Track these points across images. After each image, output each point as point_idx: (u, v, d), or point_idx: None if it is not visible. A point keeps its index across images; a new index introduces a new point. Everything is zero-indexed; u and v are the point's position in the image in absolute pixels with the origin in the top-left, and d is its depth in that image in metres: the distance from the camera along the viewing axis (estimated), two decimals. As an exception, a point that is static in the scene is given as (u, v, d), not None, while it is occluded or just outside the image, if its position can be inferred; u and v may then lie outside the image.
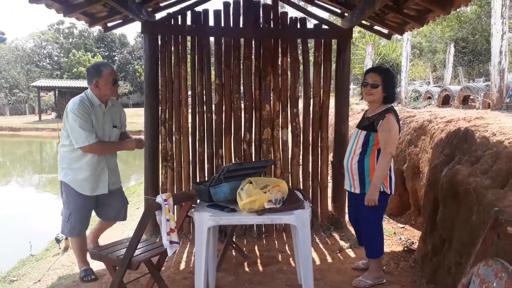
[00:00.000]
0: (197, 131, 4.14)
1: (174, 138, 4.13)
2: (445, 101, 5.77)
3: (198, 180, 4.17)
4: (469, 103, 5.35)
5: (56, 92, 29.86)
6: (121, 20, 4.13)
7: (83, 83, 29.32)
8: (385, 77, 2.76)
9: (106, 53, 45.10)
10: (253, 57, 4.11)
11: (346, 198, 3.39)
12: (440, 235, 2.98)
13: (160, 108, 4.12)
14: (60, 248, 4.16)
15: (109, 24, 4.10)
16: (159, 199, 2.32)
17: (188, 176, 4.17)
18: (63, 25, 44.59)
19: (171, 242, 2.34)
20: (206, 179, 4.16)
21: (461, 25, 17.02)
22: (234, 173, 2.56)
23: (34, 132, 23.47)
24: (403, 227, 4.23)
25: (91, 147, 2.87)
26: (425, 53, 20.51)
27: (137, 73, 43.23)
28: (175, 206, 2.98)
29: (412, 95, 6.81)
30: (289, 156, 4.18)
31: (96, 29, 45.60)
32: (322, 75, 4.12)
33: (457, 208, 2.74)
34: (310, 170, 4.19)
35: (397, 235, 3.95)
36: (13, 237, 6.09)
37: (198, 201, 2.70)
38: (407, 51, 7.50)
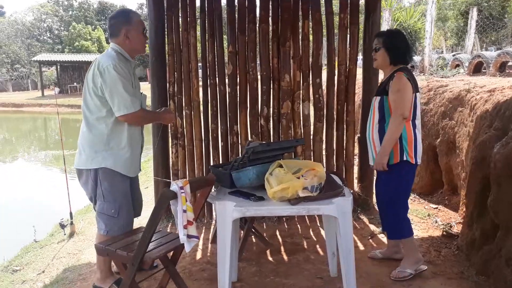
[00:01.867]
0: (209, 105, 3.75)
1: (184, 114, 3.75)
2: (477, 69, 5.29)
3: (211, 160, 3.82)
4: (507, 71, 4.88)
5: (58, 67, 29.31)
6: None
7: (85, 56, 28.80)
8: (385, 39, 2.58)
9: (106, 26, 44.06)
10: (270, 20, 3.65)
11: (374, 177, 3.06)
12: (491, 220, 2.62)
13: (168, 80, 3.71)
14: (65, 234, 3.88)
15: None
16: (174, 186, 1.96)
17: (201, 155, 3.80)
18: (62, -3, 43.50)
19: (189, 237, 1.99)
20: (221, 158, 3.81)
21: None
22: (260, 154, 2.18)
23: (37, 108, 23.14)
24: (437, 208, 3.87)
25: (135, 116, 2.26)
26: (435, 21, 19.63)
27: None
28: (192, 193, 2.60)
29: (438, 62, 6.31)
30: (311, 132, 3.79)
31: (96, 1, 44.54)
32: (348, 40, 3.67)
33: (517, 191, 2.36)
34: (335, 147, 3.80)
35: (432, 217, 3.60)
36: (17, 220, 5.84)
37: (216, 187, 2.35)
38: (432, 15, 6.91)
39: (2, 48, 35.83)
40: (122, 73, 2.20)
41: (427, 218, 3.61)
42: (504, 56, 4.67)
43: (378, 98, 2.57)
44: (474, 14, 8.86)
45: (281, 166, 2.01)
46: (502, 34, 16.69)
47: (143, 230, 2.02)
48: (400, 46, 2.56)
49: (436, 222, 3.48)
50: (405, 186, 2.60)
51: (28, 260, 3.46)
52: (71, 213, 4.03)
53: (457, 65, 6.09)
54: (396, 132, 2.44)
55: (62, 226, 3.90)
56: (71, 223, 3.95)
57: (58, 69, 29.42)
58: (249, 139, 3.73)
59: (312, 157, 3.75)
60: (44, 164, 11.11)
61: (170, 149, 3.84)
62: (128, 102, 2.21)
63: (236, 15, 3.60)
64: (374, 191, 3.24)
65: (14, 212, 6.33)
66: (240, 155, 3.74)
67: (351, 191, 2.22)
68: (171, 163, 3.85)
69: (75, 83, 28.69)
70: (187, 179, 3.74)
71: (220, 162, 3.80)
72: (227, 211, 1.96)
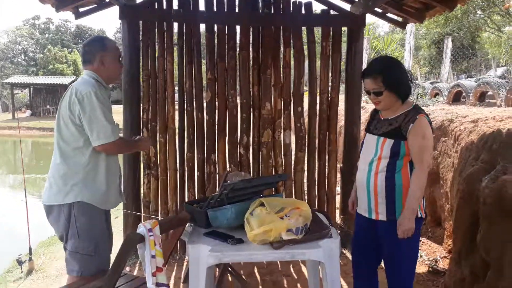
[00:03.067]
0: (186, 133, 3.56)
1: (158, 142, 3.53)
2: (456, 98, 5.32)
3: (186, 191, 3.59)
4: (487, 100, 4.92)
5: (31, 89, 28.54)
6: (96, 5, 3.51)
7: (59, 79, 28.20)
8: (385, 78, 2.05)
9: (80, 53, 43.65)
10: (251, 47, 3.54)
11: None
12: (481, 257, 2.49)
13: (142, 106, 3.52)
14: (22, 272, 3.53)
15: (81, 9, 3.48)
16: (142, 228, 1.74)
17: (175, 186, 3.58)
18: (39, 20, 43.03)
19: (158, 285, 1.76)
20: (196, 189, 3.59)
21: (447, 21, 16.83)
22: (241, 191, 1.99)
23: (7, 130, 22.25)
24: (420, 241, 3.73)
25: (115, 145, 2.08)
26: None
27: (117, 70, 41.96)
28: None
29: (418, 91, 6.35)
30: (293, 162, 3.63)
31: (74, 25, 44.23)
32: (330, 68, 3.59)
33: (509, 228, 2.24)
34: (317, 178, 3.66)
35: (418, 252, 3.45)
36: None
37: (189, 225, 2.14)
38: (411, 44, 7.03)
39: (-27, 69, 34.80)
40: (102, 100, 2.04)
41: (413, 253, 3.46)
42: (484, 86, 4.70)
43: (391, 141, 2.07)
44: (449, 43, 9.13)
45: (262, 204, 1.83)
46: (471, 63, 17.37)
47: (103, 278, 1.78)
48: (403, 79, 2.09)
49: (420, 256, 3.33)
50: (418, 246, 2.19)
51: (-22, 304, 3.10)
52: (30, 249, 3.69)
53: (436, 94, 6.15)
54: (424, 186, 2.05)
55: (20, 262, 3.56)
56: (30, 259, 3.60)
57: (31, 92, 28.63)
58: (228, 168, 3.55)
59: (293, 187, 3.59)
60: (12, 189, 10.52)
61: (142, 179, 3.60)
62: (109, 131, 2.03)
63: (216, 42, 3.47)
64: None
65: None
66: (217, 187, 3.57)
67: (338, 231, 2.03)
68: (142, 194, 3.61)
69: (48, 106, 27.94)
70: (157, 219, 3.50)
71: (196, 194, 3.59)
72: (202, 256, 1.75)
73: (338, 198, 3.90)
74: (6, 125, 23.10)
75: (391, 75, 2.05)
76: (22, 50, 41.46)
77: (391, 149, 2.07)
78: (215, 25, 3.48)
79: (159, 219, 3.54)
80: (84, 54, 2.20)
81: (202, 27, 3.55)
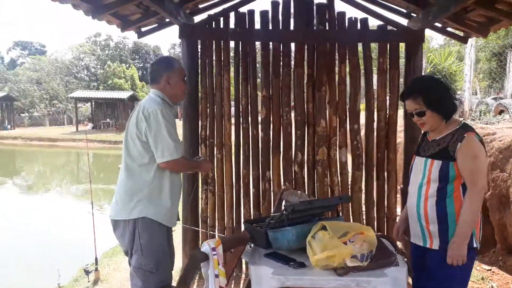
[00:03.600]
0: (241, 149, 3.61)
1: (215, 158, 3.61)
2: (525, 114, 4.98)
3: (242, 208, 3.62)
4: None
5: (93, 103, 30.43)
6: (156, 24, 3.69)
7: (118, 94, 29.80)
8: (425, 98, 1.97)
9: (140, 64, 46.10)
10: (305, 64, 3.55)
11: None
12: None
13: (200, 123, 3.62)
14: (89, 281, 3.72)
15: (143, 29, 3.66)
16: (206, 247, 1.78)
17: (231, 202, 3.63)
18: (100, 37, 45.98)
19: (220, 305, 1.78)
20: (252, 206, 3.61)
21: (508, 32, 15.81)
22: (301, 213, 1.98)
23: (71, 142, 23.82)
24: (490, 270, 3.49)
25: (178, 163, 2.13)
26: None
27: (170, 84, 43.71)
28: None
29: (481, 108, 5.99)
30: (349, 181, 3.56)
31: (131, 41, 46.77)
32: (388, 84, 3.50)
33: None
34: (375, 198, 3.54)
35: (487, 281, 3.23)
36: (44, 256, 5.77)
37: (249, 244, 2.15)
38: (471, 58, 6.69)
39: (42, 85, 37.71)
40: (168, 118, 2.12)
41: (482, 282, 3.23)
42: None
43: (439, 162, 1.97)
44: (512, 56, 8.57)
45: (324, 228, 1.80)
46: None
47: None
48: (445, 96, 2.01)
49: (492, 287, 3.10)
50: (468, 277, 2.02)
51: (48, 310, 3.30)
52: (96, 259, 3.89)
53: (502, 111, 5.77)
54: (479, 210, 1.93)
55: (87, 272, 3.76)
56: (96, 269, 3.79)
57: (93, 105, 30.52)
58: (282, 186, 3.54)
59: (350, 208, 3.51)
60: (76, 197, 11.21)
61: (200, 194, 3.69)
62: (172, 148, 2.10)
63: (271, 59, 3.51)
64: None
65: (41, 248, 6.28)
66: (272, 204, 3.57)
67: (405, 259, 1.94)
68: (200, 209, 3.69)
69: (108, 119, 29.61)
70: (214, 235, 3.56)
71: (251, 210, 3.61)
72: (264, 278, 1.75)
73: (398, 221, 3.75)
74: (71, 137, 24.75)
75: (431, 94, 1.99)
76: (84, 66, 44.41)
77: (439, 171, 1.97)
78: (270, 43, 3.53)
79: (216, 234, 3.59)
80: (151, 73, 2.30)
81: (258, 44, 3.61)
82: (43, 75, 38.84)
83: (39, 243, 6.56)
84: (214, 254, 1.78)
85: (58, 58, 43.23)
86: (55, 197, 11.49)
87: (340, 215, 2.43)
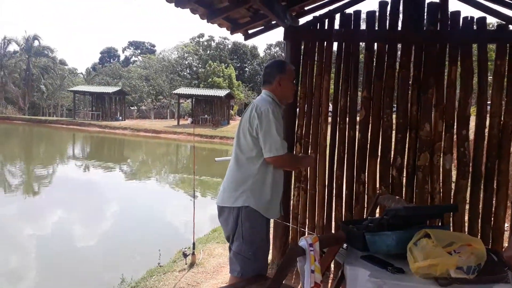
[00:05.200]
0: (336, 150, 3.60)
1: (310, 157, 3.65)
2: None
3: (334, 209, 3.61)
4: None
5: (193, 100, 32.57)
6: (263, 27, 3.85)
7: (216, 92, 31.46)
8: None
9: (238, 64, 48.00)
10: (411, 66, 3.40)
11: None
12: None
13: (297, 122, 3.70)
14: (186, 264, 4.03)
15: (250, 31, 3.85)
16: (303, 242, 1.83)
17: (323, 201, 3.64)
18: (202, 38, 48.92)
19: (314, 299, 1.83)
20: (344, 208, 3.58)
21: None
22: (403, 218, 1.93)
23: (172, 135, 25.82)
24: None
25: (282, 158, 2.27)
26: None
27: (265, 84, 44.85)
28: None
29: None
30: (452, 190, 3.33)
31: (231, 42, 48.91)
32: (505, 89, 3.20)
33: None
34: (480, 210, 3.27)
35: None
36: (144, 238, 6.38)
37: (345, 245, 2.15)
38: None
39: (149, 81, 41.46)
40: (277, 117, 2.27)
41: None
42: None
43: None
44: None
45: (428, 236, 1.74)
46: None
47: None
48: None
49: None
50: None
51: (152, 284, 3.66)
52: (194, 244, 4.20)
53: None
54: None
55: (185, 255, 4.08)
56: (193, 253, 4.10)
57: (193, 102, 32.69)
58: (377, 190, 3.46)
59: (451, 218, 3.28)
60: (173, 186, 12.14)
61: (292, 191, 3.77)
62: (279, 145, 2.23)
63: (374, 60, 3.44)
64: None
65: (142, 230, 6.96)
66: (365, 208, 3.50)
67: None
68: (291, 206, 3.77)
69: (205, 115, 31.47)
70: (304, 232, 3.61)
71: (343, 212, 3.58)
72: (360, 280, 1.75)
73: (506, 235, 3.41)
74: (172, 130, 26.82)
75: None
76: (187, 65, 47.70)
77: None
78: (375, 44, 3.46)
79: (306, 231, 3.65)
80: (264, 75, 2.45)
81: (361, 45, 3.56)
82: (151, 73, 42.68)
83: (143, 225, 7.26)
84: (311, 250, 1.83)
85: (165, 57, 47.08)
86: (155, 184, 12.58)
87: (446, 223, 2.31)
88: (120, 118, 34.27)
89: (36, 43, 43.35)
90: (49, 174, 13.26)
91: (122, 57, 66.51)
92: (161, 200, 10.10)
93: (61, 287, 4.65)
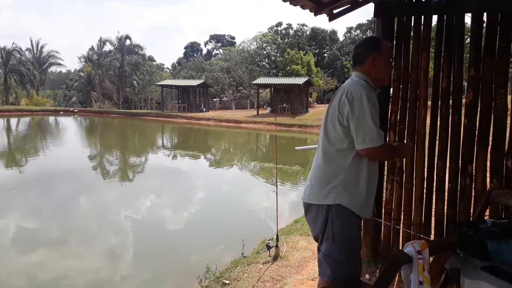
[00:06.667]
0: (438, 138, 3.17)
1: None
2: None
3: (434, 205, 3.21)
4: None
5: (272, 89, 32.65)
6: (349, 5, 3.52)
7: (294, 80, 31.21)
8: None
9: (316, 50, 47.08)
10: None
11: None
12: None
13: (390, 108, 3.33)
14: (270, 256, 3.93)
15: (335, 11, 3.55)
16: (410, 249, 1.56)
17: (421, 196, 3.25)
18: (281, 26, 48.71)
19: (423, 315, 1.55)
20: (446, 204, 3.15)
21: None
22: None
23: (252, 124, 26.20)
24: None
25: (379, 150, 1.96)
26: None
27: (345, 69, 43.45)
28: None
29: None
30: None
31: (309, 28, 47.98)
32: None
33: None
34: None
35: None
36: (226, 227, 6.45)
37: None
38: None
39: (230, 73, 42.46)
40: (373, 103, 1.95)
41: None
42: None
43: None
44: None
45: None
46: None
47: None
48: None
49: None
50: None
51: (236, 276, 3.61)
52: (277, 236, 4.07)
53: None
54: None
55: (268, 247, 3.97)
56: (276, 246, 3.97)
57: (272, 91, 32.78)
58: (488, 184, 2.98)
59: None
60: (254, 174, 12.25)
61: (385, 184, 3.43)
62: (375, 135, 1.93)
63: (484, 33, 2.94)
64: None
65: (225, 216, 7.06)
66: (472, 204, 3.04)
67: None
68: (384, 200, 3.43)
69: (284, 104, 31.40)
70: (398, 229, 3.26)
71: (445, 209, 3.16)
72: (484, 296, 1.44)
73: None
74: (252, 120, 27.20)
75: None
76: (266, 55, 47.94)
77: None
78: (485, 14, 2.94)
79: (401, 229, 3.30)
80: (355, 56, 2.14)
81: (467, 18, 3.07)
82: (231, 64, 43.64)
83: (225, 211, 7.38)
84: (419, 258, 1.55)
85: (244, 48, 47.81)
86: (237, 171, 12.83)
87: None
88: (204, 109, 35.66)
89: (127, 42, 46.87)
90: (141, 162, 14.22)
91: (204, 51, 69.14)
92: (243, 187, 10.28)
93: (149, 270, 4.85)
